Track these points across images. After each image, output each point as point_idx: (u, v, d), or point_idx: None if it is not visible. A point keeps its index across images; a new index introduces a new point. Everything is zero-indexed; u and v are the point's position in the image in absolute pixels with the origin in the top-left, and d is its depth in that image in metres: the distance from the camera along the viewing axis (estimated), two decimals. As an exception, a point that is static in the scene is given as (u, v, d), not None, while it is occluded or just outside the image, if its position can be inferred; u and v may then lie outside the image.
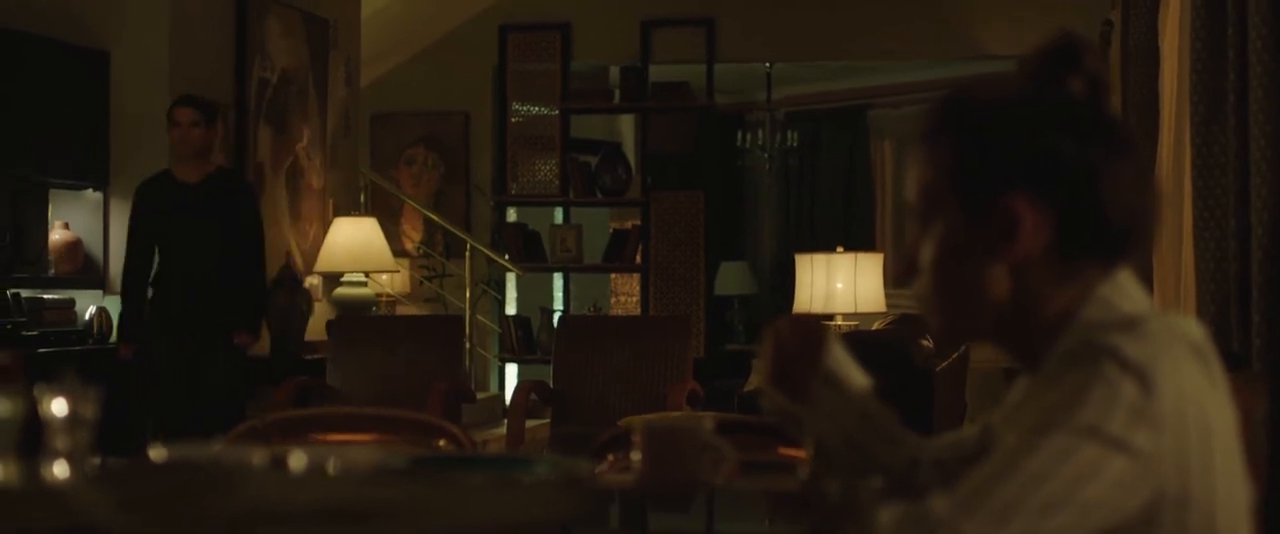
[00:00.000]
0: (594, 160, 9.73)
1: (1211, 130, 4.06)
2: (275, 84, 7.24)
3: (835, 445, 1.74)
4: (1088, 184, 1.46)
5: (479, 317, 9.01)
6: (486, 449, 6.29)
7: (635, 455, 1.99)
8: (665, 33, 9.51)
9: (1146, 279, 4.18)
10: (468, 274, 8.67)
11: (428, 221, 9.60)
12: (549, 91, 9.63)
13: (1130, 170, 1.49)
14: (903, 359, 5.85)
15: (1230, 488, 1.42)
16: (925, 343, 5.94)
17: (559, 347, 6.57)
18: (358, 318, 7.08)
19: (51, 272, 6.16)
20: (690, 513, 2.04)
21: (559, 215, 10.29)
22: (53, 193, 6.22)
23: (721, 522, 2.03)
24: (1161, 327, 1.42)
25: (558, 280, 10.24)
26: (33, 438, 1.59)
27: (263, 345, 6.67)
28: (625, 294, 11.18)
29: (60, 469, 1.56)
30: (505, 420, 6.62)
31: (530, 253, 9.60)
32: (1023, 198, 1.46)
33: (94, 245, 6.40)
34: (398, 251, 8.66)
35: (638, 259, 9.64)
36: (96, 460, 1.61)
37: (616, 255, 9.73)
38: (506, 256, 9.35)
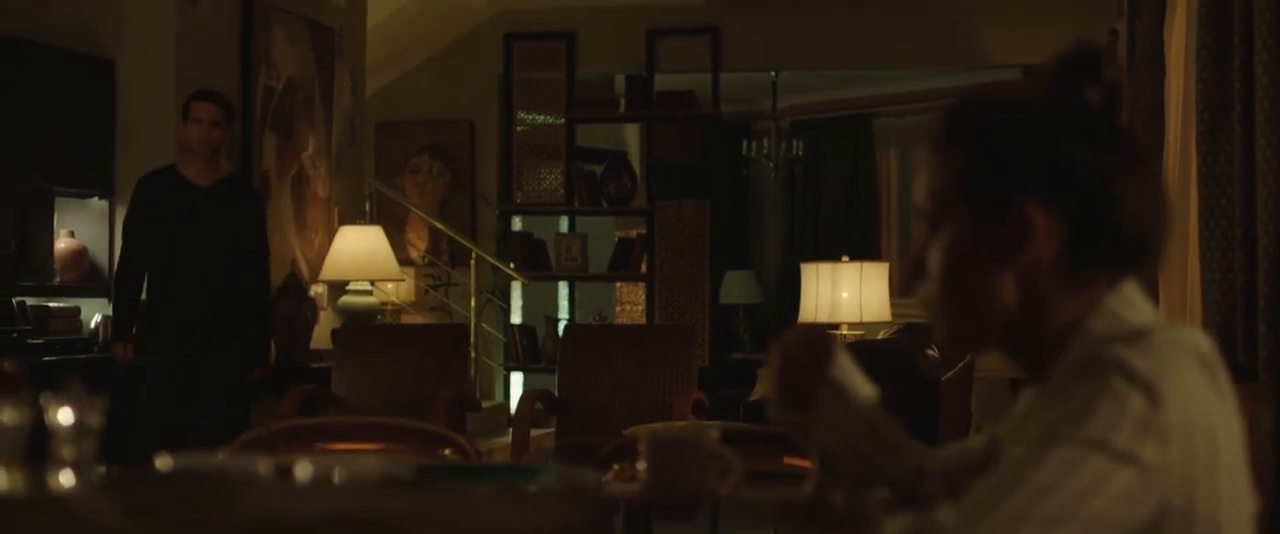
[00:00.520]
0: (599, 169, 9.73)
1: (1217, 139, 4.06)
2: (281, 92, 7.25)
3: (841, 455, 1.73)
4: (1101, 193, 1.46)
5: (484, 325, 9.00)
6: (491, 458, 6.29)
7: (640, 465, 1.99)
8: (670, 42, 9.51)
9: (1152, 290, 4.17)
10: (473, 283, 8.67)
11: (433, 230, 9.60)
12: (554, 100, 9.63)
13: (1143, 181, 1.49)
14: (908, 369, 5.84)
15: (1236, 500, 1.41)
16: (930, 352, 5.94)
17: (564, 356, 6.56)
18: (363, 327, 7.08)
19: (57, 280, 6.16)
20: (695, 523, 2.04)
21: (564, 224, 10.29)
22: (58, 201, 6.22)
23: (727, 532, 2.02)
24: (1169, 339, 1.42)
25: (563, 289, 10.24)
26: (39, 447, 1.59)
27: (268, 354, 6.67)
28: (630, 303, 11.18)
29: (66, 478, 1.56)
30: (510, 430, 6.61)
31: (535, 262, 9.61)
32: (1035, 205, 1.46)
33: (99, 253, 6.40)
34: (403, 260, 8.66)
35: (643, 268, 9.64)
36: (102, 469, 1.61)
37: (622, 264, 9.73)
38: (511, 265, 9.35)
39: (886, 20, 9.27)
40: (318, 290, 7.36)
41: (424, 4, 9.44)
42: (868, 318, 6.81)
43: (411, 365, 6.36)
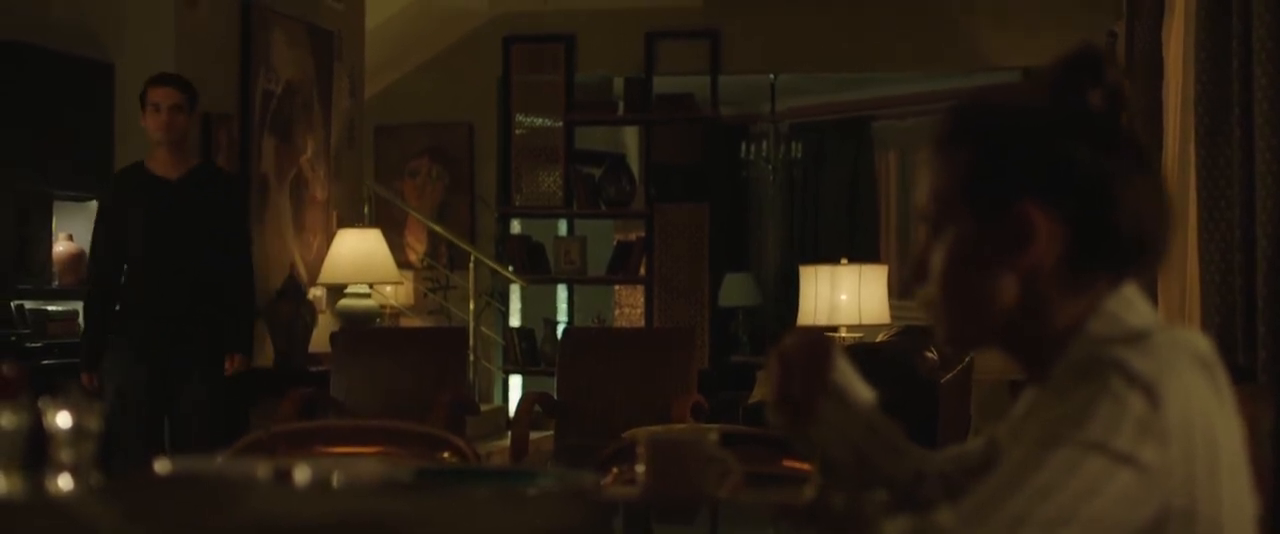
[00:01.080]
0: (598, 172, 9.73)
1: (1216, 142, 4.06)
2: (280, 95, 7.24)
3: (841, 458, 1.73)
4: (1102, 195, 1.46)
5: (483, 328, 9.00)
6: (490, 461, 6.29)
7: (639, 468, 1.99)
8: (669, 44, 9.52)
9: (1151, 292, 4.17)
10: (471, 286, 8.67)
11: (432, 233, 9.60)
12: (553, 103, 9.63)
13: (1144, 183, 1.49)
14: (907, 371, 5.84)
15: (1236, 501, 1.41)
16: (930, 355, 5.94)
17: (563, 359, 6.56)
18: (362, 330, 7.07)
19: (55, 283, 6.15)
20: (695, 526, 2.04)
21: (563, 227, 10.29)
22: (57, 204, 6.21)
23: (726, 535, 2.02)
24: (1168, 340, 1.42)
25: (562, 292, 10.24)
26: (37, 450, 1.59)
27: (267, 358, 6.67)
28: (629, 306, 11.18)
29: (64, 482, 1.56)
30: (509, 432, 6.60)
31: (534, 265, 9.61)
32: (1037, 207, 1.46)
33: (98, 257, 6.39)
34: (402, 263, 8.65)
35: (642, 271, 9.64)
36: (100, 473, 1.61)
37: (620, 267, 9.73)
38: (510, 268, 9.35)
39: (885, 23, 9.27)
40: (316, 293, 7.35)
41: (423, 7, 9.44)
42: (867, 320, 6.81)
43: (410, 368, 6.36)
